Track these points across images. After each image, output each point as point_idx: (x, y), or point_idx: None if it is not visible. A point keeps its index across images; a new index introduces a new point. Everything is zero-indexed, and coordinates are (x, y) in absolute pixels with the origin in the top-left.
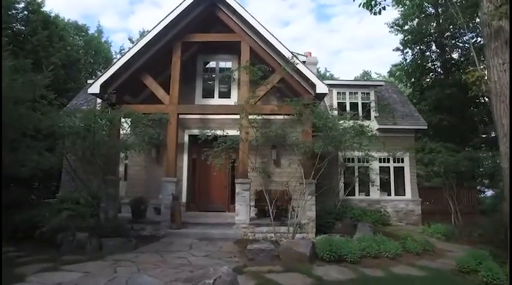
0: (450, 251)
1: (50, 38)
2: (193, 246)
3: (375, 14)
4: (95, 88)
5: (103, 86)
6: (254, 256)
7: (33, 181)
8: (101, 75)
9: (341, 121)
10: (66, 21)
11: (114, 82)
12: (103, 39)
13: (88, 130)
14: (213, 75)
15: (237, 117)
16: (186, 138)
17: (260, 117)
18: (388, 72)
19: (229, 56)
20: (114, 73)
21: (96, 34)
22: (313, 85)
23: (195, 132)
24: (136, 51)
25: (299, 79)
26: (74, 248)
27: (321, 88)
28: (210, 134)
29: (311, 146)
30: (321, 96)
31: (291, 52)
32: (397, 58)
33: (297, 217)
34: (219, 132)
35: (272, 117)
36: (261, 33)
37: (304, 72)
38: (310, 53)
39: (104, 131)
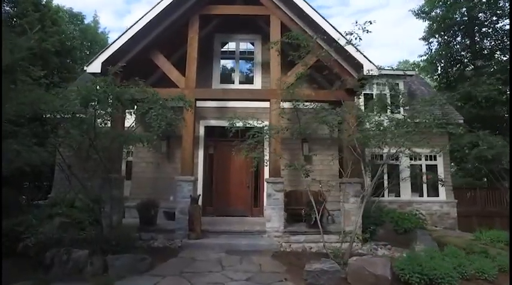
0: None
1: (42, 21)
2: (224, 263)
3: None
4: (95, 67)
5: (105, 64)
6: (315, 280)
7: (23, 180)
8: (103, 51)
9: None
10: (60, 7)
11: (119, 60)
12: (99, 30)
13: (86, 108)
14: (233, 58)
15: (261, 105)
16: (202, 130)
17: (290, 105)
18: (412, 64)
19: (251, 36)
20: (119, 49)
21: (92, 24)
22: (358, 66)
23: (212, 122)
24: (146, 22)
25: (339, 59)
26: (69, 270)
27: (369, 68)
28: (240, 124)
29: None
30: (367, 79)
31: (334, 27)
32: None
33: (332, 222)
34: (250, 122)
35: (302, 105)
36: (297, 4)
37: (349, 50)
38: None
39: (108, 115)
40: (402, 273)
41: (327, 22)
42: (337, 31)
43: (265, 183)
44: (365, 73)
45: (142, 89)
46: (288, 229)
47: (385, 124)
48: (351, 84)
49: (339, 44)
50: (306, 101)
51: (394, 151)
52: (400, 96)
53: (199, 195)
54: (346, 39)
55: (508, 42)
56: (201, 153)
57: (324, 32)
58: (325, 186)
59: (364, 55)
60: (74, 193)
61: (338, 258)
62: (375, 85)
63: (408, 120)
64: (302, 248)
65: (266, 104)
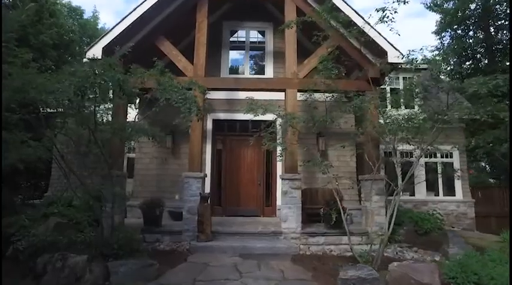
0: None
1: (39, 13)
2: (241, 269)
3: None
4: (95, 51)
5: (106, 50)
6: None
7: (18, 178)
8: (105, 35)
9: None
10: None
11: (121, 46)
12: (99, 26)
13: (83, 96)
14: (242, 48)
15: (274, 97)
16: (210, 124)
17: (307, 97)
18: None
19: (261, 24)
20: (122, 33)
21: (92, 19)
22: (381, 53)
23: (221, 116)
24: (151, 4)
25: (360, 46)
26: (65, 278)
27: (394, 56)
28: (260, 111)
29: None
30: (391, 68)
31: (356, 11)
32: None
33: (351, 222)
34: (268, 116)
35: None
36: None
37: (372, 36)
38: None
39: (107, 105)
40: (454, 282)
41: (349, 6)
42: (360, 15)
43: (278, 181)
44: (390, 61)
45: (158, 73)
46: (305, 230)
47: (416, 117)
48: (374, 73)
49: (360, 29)
50: (325, 91)
51: (425, 146)
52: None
53: (209, 193)
54: (369, 24)
55: None
56: (208, 148)
57: (345, 16)
58: (341, 184)
59: (388, 41)
60: (72, 191)
61: (368, 263)
62: (386, 79)
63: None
64: (322, 250)
65: (279, 96)
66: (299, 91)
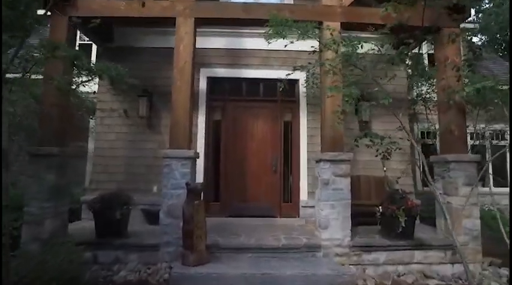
0: None
1: None
2: None
3: None
4: None
5: None
6: None
7: None
8: None
9: None
10: None
11: None
12: None
13: None
14: None
15: (296, 48)
16: (203, 83)
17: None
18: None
19: None
20: None
21: None
22: None
23: (220, 72)
24: None
25: None
26: None
27: None
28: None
29: None
30: None
31: None
32: None
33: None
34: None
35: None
36: None
37: None
38: None
39: None
40: None
41: None
42: None
43: (302, 165)
44: None
45: None
46: (356, 242)
47: None
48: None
49: None
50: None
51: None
52: None
53: (203, 184)
54: None
55: None
56: (201, 119)
57: None
58: (391, 169)
59: None
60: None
61: None
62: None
63: None
64: (387, 275)
65: (302, 46)
66: (343, 28)
